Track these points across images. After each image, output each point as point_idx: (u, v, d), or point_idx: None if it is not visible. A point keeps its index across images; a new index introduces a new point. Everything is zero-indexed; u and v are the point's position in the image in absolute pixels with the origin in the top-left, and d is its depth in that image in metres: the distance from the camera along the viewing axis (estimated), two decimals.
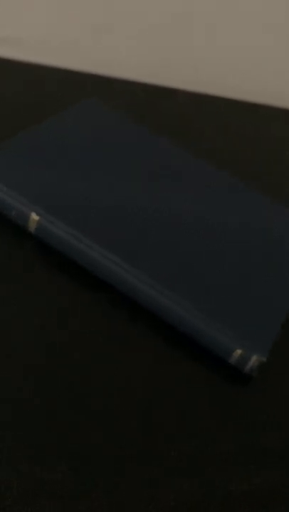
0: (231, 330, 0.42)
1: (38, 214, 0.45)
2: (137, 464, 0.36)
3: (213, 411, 0.39)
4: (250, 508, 0.35)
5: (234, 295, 0.44)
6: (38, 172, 0.49)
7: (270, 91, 0.69)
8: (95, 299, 0.43)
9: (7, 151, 0.50)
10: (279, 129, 0.66)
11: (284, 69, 0.69)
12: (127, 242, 0.45)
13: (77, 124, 0.55)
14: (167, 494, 0.35)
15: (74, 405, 0.37)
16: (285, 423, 0.40)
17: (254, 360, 0.41)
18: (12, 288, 0.43)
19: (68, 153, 0.52)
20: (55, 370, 0.39)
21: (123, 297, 0.44)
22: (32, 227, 0.45)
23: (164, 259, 0.45)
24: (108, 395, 0.38)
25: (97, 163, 0.51)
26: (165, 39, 0.68)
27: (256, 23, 0.67)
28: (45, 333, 0.41)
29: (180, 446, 0.37)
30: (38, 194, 0.46)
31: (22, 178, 0.48)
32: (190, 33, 0.67)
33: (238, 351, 0.41)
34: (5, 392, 0.37)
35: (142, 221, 0.47)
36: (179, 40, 0.68)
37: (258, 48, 0.68)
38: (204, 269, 0.45)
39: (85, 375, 0.39)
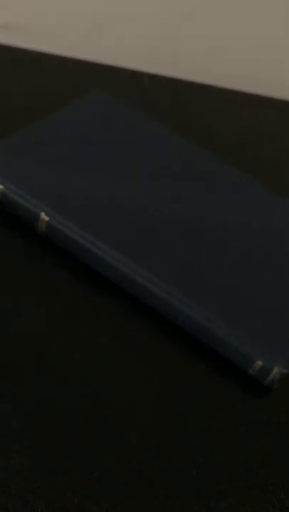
0: (251, 340, 0.40)
1: (47, 214, 0.44)
2: (137, 464, 0.36)
3: (225, 420, 0.39)
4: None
5: (254, 303, 0.42)
6: (45, 170, 0.47)
7: (286, 84, 0.68)
8: (97, 299, 0.43)
9: (12, 148, 0.48)
10: None
11: None
12: (140, 242, 0.44)
13: (85, 118, 0.53)
14: (167, 494, 0.35)
15: (74, 405, 0.37)
16: None
17: (275, 372, 0.39)
18: (13, 287, 0.43)
19: (77, 149, 0.50)
20: (55, 370, 0.39)
21: (127, 298, 0.43)
22: (42, 227, 0.44)
23: (181, 262, 0.43)
24: (108, 395, 0.38)
25: (107, 160, 0.50)
26: (173, 28, 0.67)
27: (275, 11, 0.65)
28: (45, 333, 0.41)
29: (187, 455, 0.37)
30: (47, 194, 0.45)
31: (29, 176, 0.46)
32: (200, 23, 0.67)
33: (259, 363, 0.39)
34: (5, 392, 0.37)
35: (154, 220, 0.46)
36: (188, 29, 0.67)
37: (276, 39, 0.67)
38: (224, 275, 0.43)
39: (85, 375, 0.39)
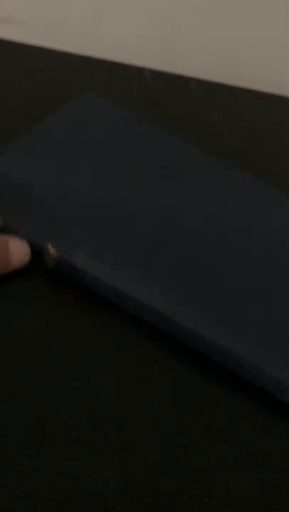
0: (281, 361, 0.37)
1: (54, 246, 0.40)
2: (137, 464, 0.36)
3: (238, 438, 0.37)
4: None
5: (280, 319, 0.39)
6: (46, 174, 0.46)
7: None
8: (101, 308, 0.43)
9: (14, 153, 0.47)
10: None
11: None
12: (141, 255, 0.42)
13: (81, 122, 0.52)
14: (167, 494, 0.35)
15: (74, 405, 0.37)
16: None
17: None
18: (13, 287, 0.43)
19: (76, 150, 0.49)
20: (55, 370, 0.39)
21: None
22: (48, 259, 0.41)
23: (189, 276, 0.41)
24: (108, 395, 0.38)
25: (106, 162, 0.48)
26: (173, 28, 0.67)
27: (275, 11, 0.65)
28: (45, 333, 0.40)
29: (191, 464, 0.37)
30: (45, 195, 0.44)
31: (29, 181, 0.44)
32: (203, 19, 0.67)
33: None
34: (5, 392, 0.37)
35: (154, 228, 0.44)
36: (188, 29, 0.67)
37: (280, 36, 0.66)
38: (243, 290, 0.41)
39: (84, 375, 0.39)
